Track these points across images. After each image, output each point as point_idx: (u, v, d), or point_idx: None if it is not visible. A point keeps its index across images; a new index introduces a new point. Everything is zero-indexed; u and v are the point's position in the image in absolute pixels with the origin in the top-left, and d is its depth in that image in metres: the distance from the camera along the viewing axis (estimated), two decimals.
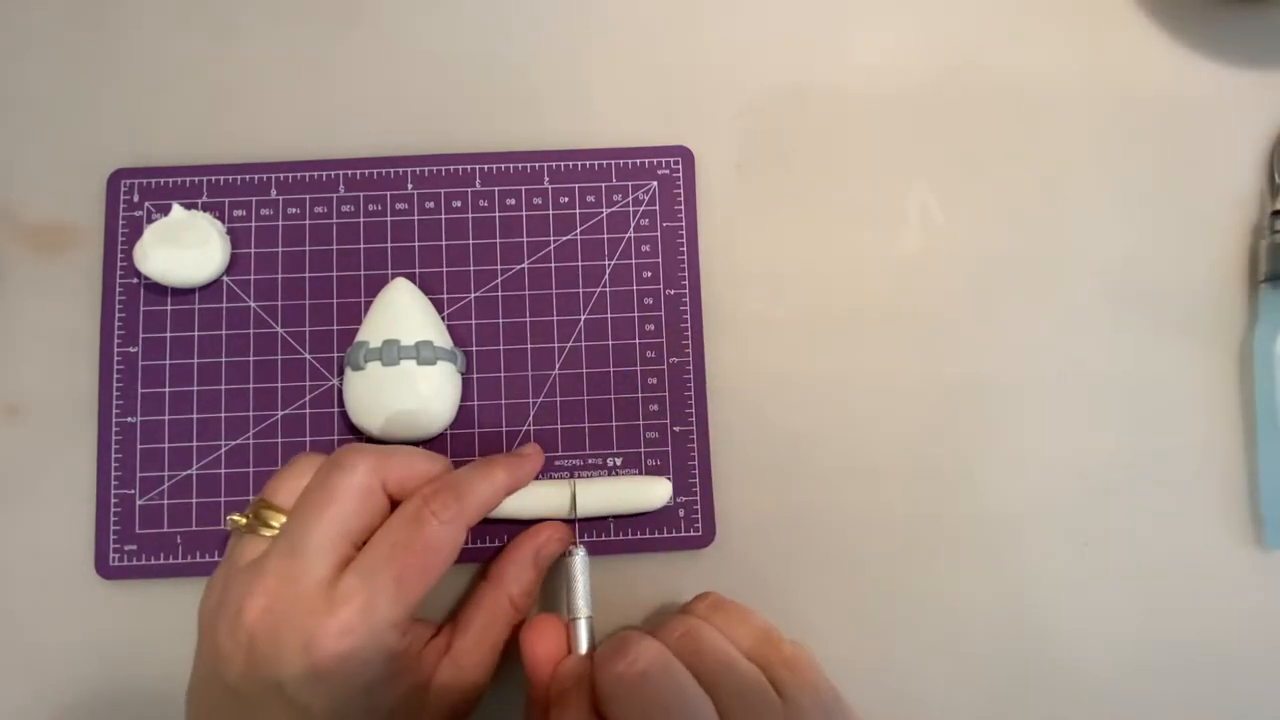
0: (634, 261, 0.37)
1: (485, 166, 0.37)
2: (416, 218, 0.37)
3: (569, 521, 0.34)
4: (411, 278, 0.36)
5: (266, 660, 0.27)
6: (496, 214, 0.37)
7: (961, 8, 0.39)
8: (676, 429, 0.36)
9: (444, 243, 0.37)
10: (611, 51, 0.39)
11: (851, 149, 0.38)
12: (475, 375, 0.36)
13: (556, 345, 0.36)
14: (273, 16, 0.39)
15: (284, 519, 0.29)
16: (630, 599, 0.35)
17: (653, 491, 0.35)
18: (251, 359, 0.36)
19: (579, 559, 0.33)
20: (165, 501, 0.35)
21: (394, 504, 0.30)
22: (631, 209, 0.37)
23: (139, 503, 0.35)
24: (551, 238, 0.37)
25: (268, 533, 0.29)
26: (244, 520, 0.29)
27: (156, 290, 0.36)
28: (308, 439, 0.35)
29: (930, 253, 0.38)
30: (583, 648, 0.31)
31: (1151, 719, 0.36)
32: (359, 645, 0.27)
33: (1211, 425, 0.37)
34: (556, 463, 0.36)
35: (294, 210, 0.37)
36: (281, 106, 0.38)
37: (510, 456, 0.33)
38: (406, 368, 0.34)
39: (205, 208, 0.37)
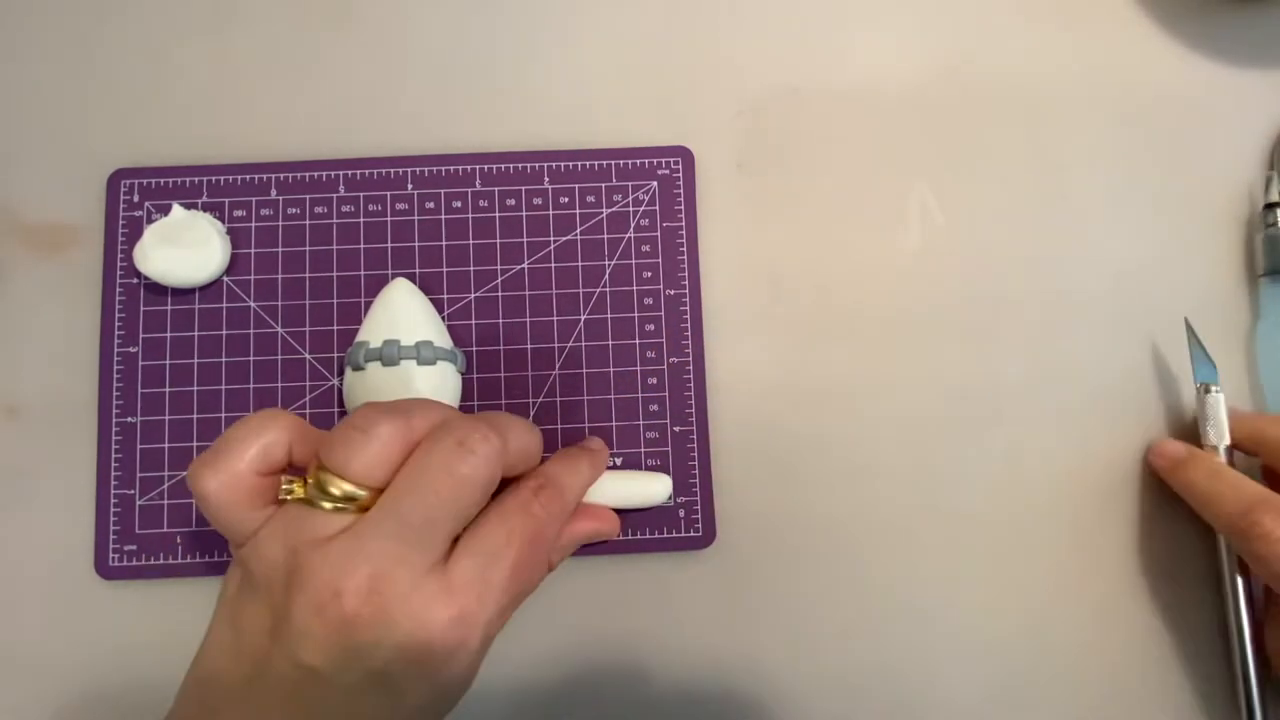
0: (634, 261, 0.37)
1: (485, 166, 0.37)
2: (416, 218, 0.37)
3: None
4: (412, 278, 0.36)
5: (365, 644, 0.25)
6: (496, 214, 0.37)
7: (961, 8, 0.39)
8: (676, 429, 0.36)
9: (444, 243, 0.37)
10: (611, 51, 0.39)
11: (851, 149, 0.38)
12: (475, 375, 0.36)
13: (556, 345, 0.36)
14: (273, 16, 0.39)
15: (359, 493, 0.26)
16: (630, 599, 0.35)
17: (651, 488, 0.35)
18: (251, 359, 0.36)
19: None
20: (165, 501, 0.35)
21: None
22: (631, 209, 0.37)
23: (139, 503, 0.35)
24: (551, 238, 0.37)
25: (329, 505, 0.26)
26: (301, 489, 0.26)
27: (156, 290, 0.36)
28: None
29: (930, 253, 0.38)
30: None
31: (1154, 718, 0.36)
32: (471, 634, 0.26)
33: None
34: None
35: (294, 210, 0.37)
36: (281, 106, 0.38)
37: (588, 451, 0.33)
38: (406, 368, 0.34)
39: (205, 208, 0.37)
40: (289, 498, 0.27)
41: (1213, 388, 0.35)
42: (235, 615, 0.27)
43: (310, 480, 0.26)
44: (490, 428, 0.27)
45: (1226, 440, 0.35)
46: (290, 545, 0.26)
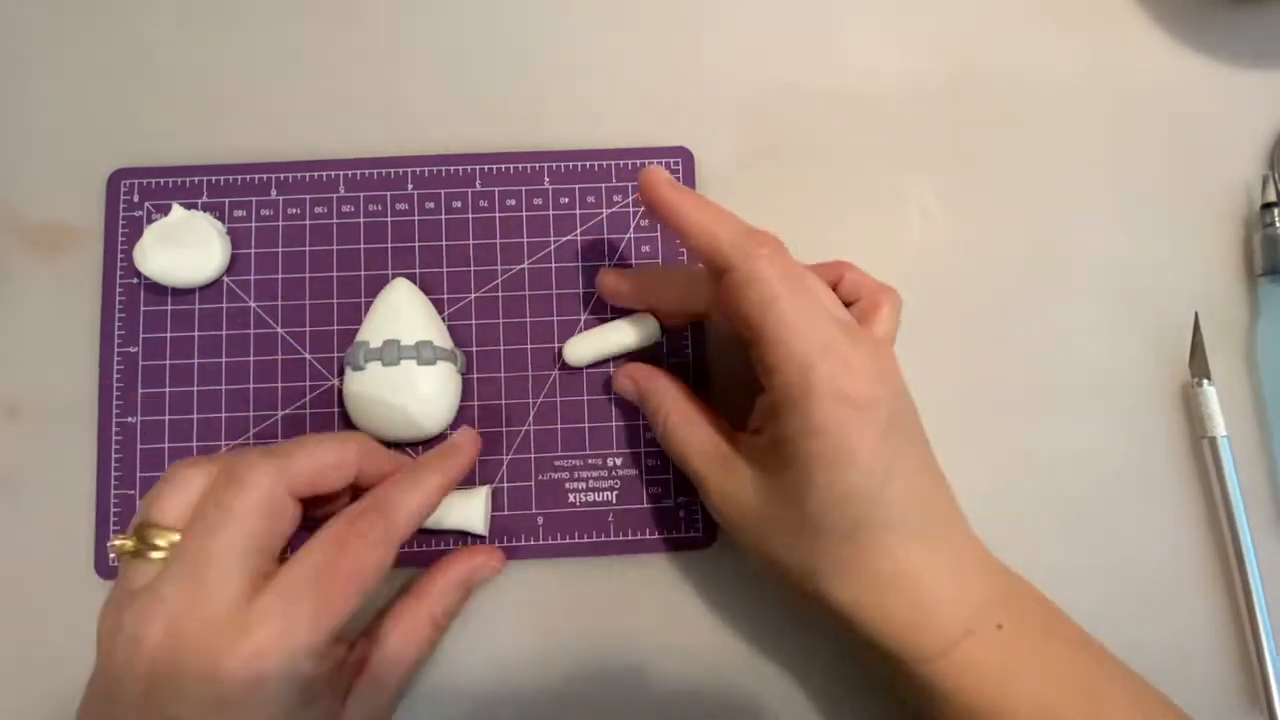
0: (634, 262, 0.37)
1: (485, 167, 0.37)
2: (417, 218, 0.37)
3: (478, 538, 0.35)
4: (412, 278, 0.36)
5: (167, 688, 0.25)
6: (497, 214, 0.37)
7: (961, 8, 0.39)
8: None
9: (444, 243, 0.37)
10: (611, 51, 0.39)
11: (851, 149, 0.38)
12: (475, 375, 0.36)
13: (556, 345, 0.36)
14: (273, 16, 0.39)
15: (173, 537, 0.27)
16: (630, 600, 0.35)
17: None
18: (251, 359, 0.36)
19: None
20: None
21: (314, 499, 0.29)
22: (632, 209, 0.37)
23: (139, 503, 0.35)
24: (552, 238, 0.37)
25: (156, 555, 0.27)
26: (130, 544, 0.27)
27: (156, 290, 0.36)
28: None
29: (930, 252, 0.38)
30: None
31: None
32: (271, 672, 0.25)
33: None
34: (556, 462, 0.36)
35: (294, 210, 0.37)
36: (281, 106, 0.38)
37: (439, 455, 0.31)
38: (406, 368, 0.34)
39: (205, 208, 0.37)
40: (120, 553, 0.27)
41: (1205, 381, 0.36)
42: (96, 667, 0.27)
43: (133, 534, 0.27)
44: (263, 456, 0.28)
45: (1222, 431, 0.35)
46: (117, 598, 0.27)
